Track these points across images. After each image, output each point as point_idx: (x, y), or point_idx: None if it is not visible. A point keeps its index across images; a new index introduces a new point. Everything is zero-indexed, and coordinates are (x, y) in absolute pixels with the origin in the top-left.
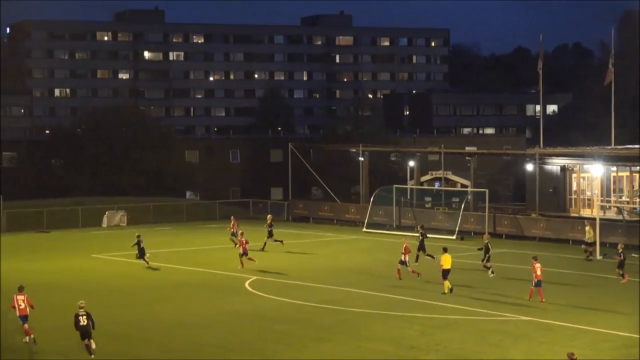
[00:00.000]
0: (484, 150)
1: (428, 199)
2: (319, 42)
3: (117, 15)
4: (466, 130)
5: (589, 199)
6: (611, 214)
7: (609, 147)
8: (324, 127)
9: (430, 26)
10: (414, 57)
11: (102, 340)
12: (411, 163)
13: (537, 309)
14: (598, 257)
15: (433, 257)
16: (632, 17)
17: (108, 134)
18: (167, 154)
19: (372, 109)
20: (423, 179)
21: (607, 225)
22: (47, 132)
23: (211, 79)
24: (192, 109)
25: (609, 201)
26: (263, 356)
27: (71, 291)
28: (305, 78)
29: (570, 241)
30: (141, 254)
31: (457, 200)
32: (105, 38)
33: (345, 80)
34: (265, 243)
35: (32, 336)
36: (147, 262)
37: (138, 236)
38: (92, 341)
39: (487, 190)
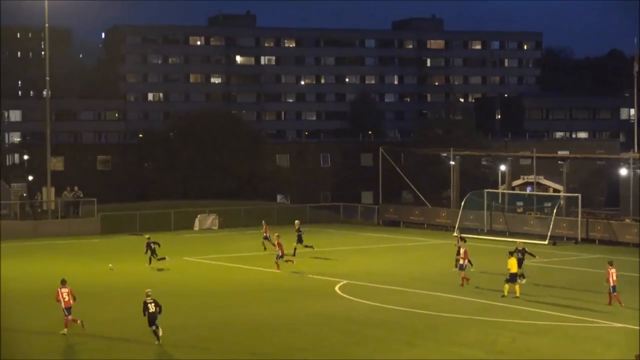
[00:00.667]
0: (576, 154)
1: (520, 203)
2: (410, 46)
3: (210, 20)
4: (558, 134)
5: None
6: None
7: None
8: (415, 131)
9: (522, 29)
10: (506, 61)
11: (191, 341)
12: (502, 167)
13: (627, 316)
14: None
15: (471, 265)
16: None
17: (200, 138)
18: (258, 157)
19: (463, 112)
20: (514, 183)
21: None
22: (140, 135)
23: (302, 83)
24: (283, 113)
25: None
26: None
27: (163, 293)
28: (396, 82)
29: None
30: (152, 252)
31: (549, 205)
32: (198, 42)
33: (436, 83)
34: (295, 248)
35: (79, 321)
36: (149, 263)
37: (148, 238)
38: (159, 328)
39: (579, 195)
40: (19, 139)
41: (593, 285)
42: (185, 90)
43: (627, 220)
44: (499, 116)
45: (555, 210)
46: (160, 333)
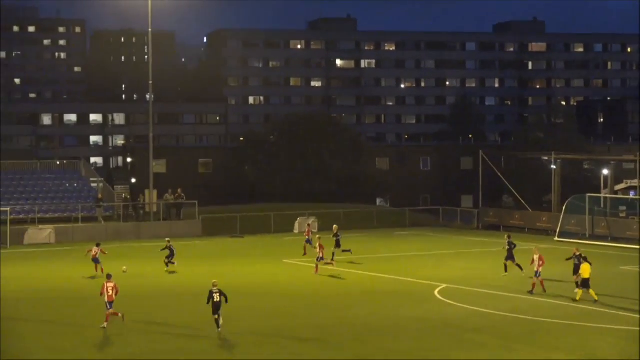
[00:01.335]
0: None
1: (622, 208)
2: (512, 49)
3: (310, 23)
4: None
5: None
6: None
7: None
8: (516, 135)
9: (626, 31)
10: (609, 63)
11: (293, 344)
12: (605, 171)
13: None
14: None
15: (521, 269)
16: None
17: (300, 141)
18: (358, 161)
19: (565, 116)
20: (617, 187)
21: None
22: (241, 139)
23: (402, 86)
24: (383, 116)
25: None
26: None
27: (262, 295)
28: (497, 85)
29: None
30: (170, 256)
31: None
32: (299, 46)
33: (537, 87)
34: (333, 253)
35: (120, 314)
36: (167, 266)
37: (168, 241)
38: (220, 317)
39: None
40: (122, 142)
41: None
42: (286, 94)
43: None
44: (602, 120)
45: None
46: (221, 322)
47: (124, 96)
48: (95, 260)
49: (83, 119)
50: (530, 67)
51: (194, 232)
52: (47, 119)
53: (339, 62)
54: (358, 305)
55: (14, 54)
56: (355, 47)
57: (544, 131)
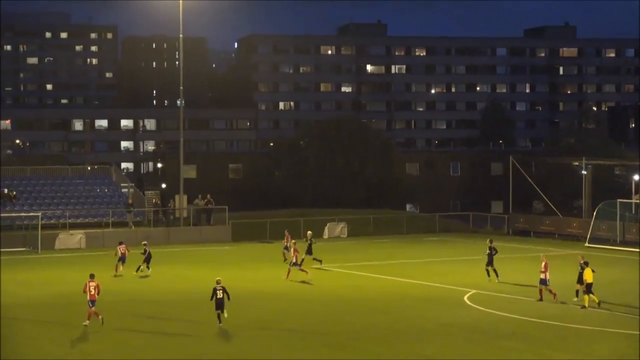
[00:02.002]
0: None
1: None
2: (543, 54)
3: (340, 29)
4: None
5: None
6: None
7: None
8: (546, 140)
9: None
10: None
11: (324, 349)
12: (636, 177)
13: None
14: None
15: (497, 276)
16: None
17: (330, 147)
18: (388, 166)
19: (596, 121)
20: None
21: None
22: (271, 144)
23: (432, 91)
24: (413, 121)
25: None
26: None
27: (290, 300)
28: (527, 90)
29: None
30: (147, 260)
31: None
32: (329, 52)
33: (568, 92)
34: (302, 259)
35: (100, 316)
36: (138, 270)
37: (145, 244)
38: (224, 312)
39: None
40: (153, 147)
41: None
42: (316, 99)
43: None
44: (633, 125)
45: None
46: (226, 315)
47: (154, 102)
48: (122, 259)
49: (114, 124)
50: (561, 72)
51: (224, 237)
52: (78, 125)
53: (369, 67)
54: (386, 310)
55: (45, 60)
56: (386, 52)
57: (575, 136)
